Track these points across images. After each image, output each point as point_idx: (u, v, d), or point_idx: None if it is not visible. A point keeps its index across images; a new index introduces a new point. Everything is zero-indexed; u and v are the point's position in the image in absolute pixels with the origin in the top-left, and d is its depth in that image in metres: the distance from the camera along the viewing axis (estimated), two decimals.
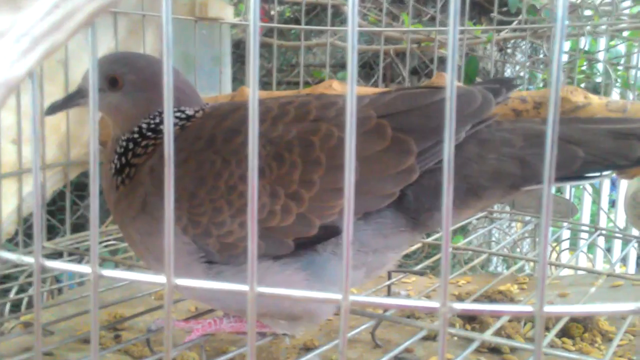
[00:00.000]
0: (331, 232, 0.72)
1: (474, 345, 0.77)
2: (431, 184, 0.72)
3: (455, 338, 0.97)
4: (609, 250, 2.07)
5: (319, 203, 0.70)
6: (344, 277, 0.44)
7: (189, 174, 0.72)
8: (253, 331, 0.45)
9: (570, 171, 0.70)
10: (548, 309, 0.40)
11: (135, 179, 0.77)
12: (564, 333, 0.98)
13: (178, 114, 0.77)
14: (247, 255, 0.74)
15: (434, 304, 0.42)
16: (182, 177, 0.72)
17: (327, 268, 0.73)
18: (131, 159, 0.77)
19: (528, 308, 0.41)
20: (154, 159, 0.76)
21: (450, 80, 0.38)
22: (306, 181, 0.70)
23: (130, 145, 0.77)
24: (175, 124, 0.75)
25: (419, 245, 1.32)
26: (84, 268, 0.47)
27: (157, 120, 0.77)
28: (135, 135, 0.78)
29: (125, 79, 0.76)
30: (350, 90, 0.40)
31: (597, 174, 0.72)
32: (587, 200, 2.20)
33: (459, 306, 0.42)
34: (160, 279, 0.46)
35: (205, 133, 0.75)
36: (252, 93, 0.41)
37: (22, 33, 0.46)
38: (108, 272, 0.47)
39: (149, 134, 0.77)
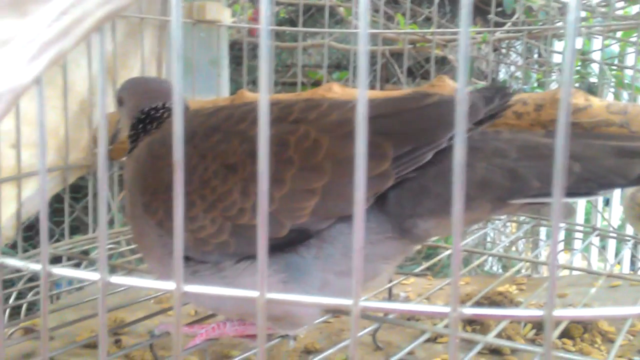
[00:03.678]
0: (303, 234, 0.70)
1: (477, 348, 0.77)
2: (413, 188, 0.69)
3: (457, 340, 0.98)
4: (603, 248, 2.08)
5: (289, 204, 0.69)
6: (354, 283, 0.44)
7: (166, 167, 0.72)
8: (263, 338, 0.45)
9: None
10: (557, 313, 0.40)
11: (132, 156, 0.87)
12: (564, 334, 0.98)
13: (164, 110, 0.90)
14: (219, 253, 0.75)
15: (444, 309, 0.42)
16: (160, 170, 0.74)
17: (307, 272, 0.71)
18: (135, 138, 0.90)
19: (538, 312, 0.41)
20: (141, 147, 0.84)
21: (460, 86, 0.38)
22: (277, 180, 0.68)
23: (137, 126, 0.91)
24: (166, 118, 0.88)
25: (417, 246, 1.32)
26: (92, 275, 0.47)
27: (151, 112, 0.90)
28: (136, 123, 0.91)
29: (124, 97, 0.96)
30: (361, 92, 0.40)
31: (594, 192, 0.66)
32: (582, 199, 2.21)
33: (469, 311, 0.42)
34: (169, 285, 0.45)
35: (189, 129, 0.75)
36: (263, 94, 0.41)
37: (29, 40, 0.46)
38: (116, 279, 0.47)
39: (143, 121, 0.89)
